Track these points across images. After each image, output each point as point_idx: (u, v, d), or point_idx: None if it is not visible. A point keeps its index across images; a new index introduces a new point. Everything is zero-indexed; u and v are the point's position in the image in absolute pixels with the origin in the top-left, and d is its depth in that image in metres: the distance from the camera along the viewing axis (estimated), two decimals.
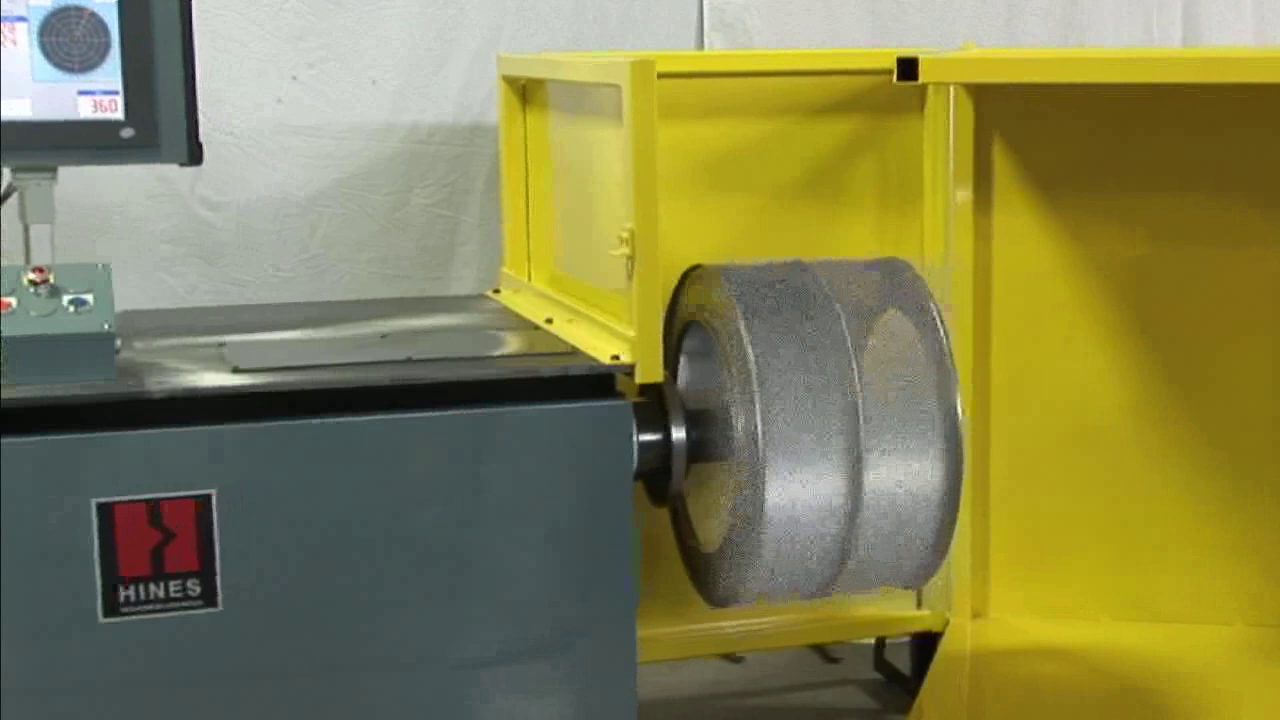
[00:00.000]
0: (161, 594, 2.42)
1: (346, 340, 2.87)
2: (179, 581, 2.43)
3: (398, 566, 2.53)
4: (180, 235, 3.50)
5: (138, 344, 2.71)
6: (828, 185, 3.39)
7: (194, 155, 2.65)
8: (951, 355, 2.76)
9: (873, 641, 3.70)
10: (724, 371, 2.72)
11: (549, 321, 2.96)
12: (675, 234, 2.97)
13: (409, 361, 2.64)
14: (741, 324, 2.68)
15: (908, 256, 2.99)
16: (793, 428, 2.64)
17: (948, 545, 2.79)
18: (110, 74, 2.58)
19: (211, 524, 2.43)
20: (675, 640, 3.31)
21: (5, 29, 2.54)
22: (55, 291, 2.47)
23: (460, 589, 2.55)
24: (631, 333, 2.66)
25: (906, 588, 2.97)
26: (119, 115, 2.59)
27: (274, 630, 2.49)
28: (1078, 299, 3.47)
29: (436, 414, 2.53)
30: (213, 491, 2.43)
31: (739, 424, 2.67)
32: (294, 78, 3.53)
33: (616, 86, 2.66)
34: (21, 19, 2.55)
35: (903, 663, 3.63)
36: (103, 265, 2.55)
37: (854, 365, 2.68)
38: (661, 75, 2.63)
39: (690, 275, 2.91)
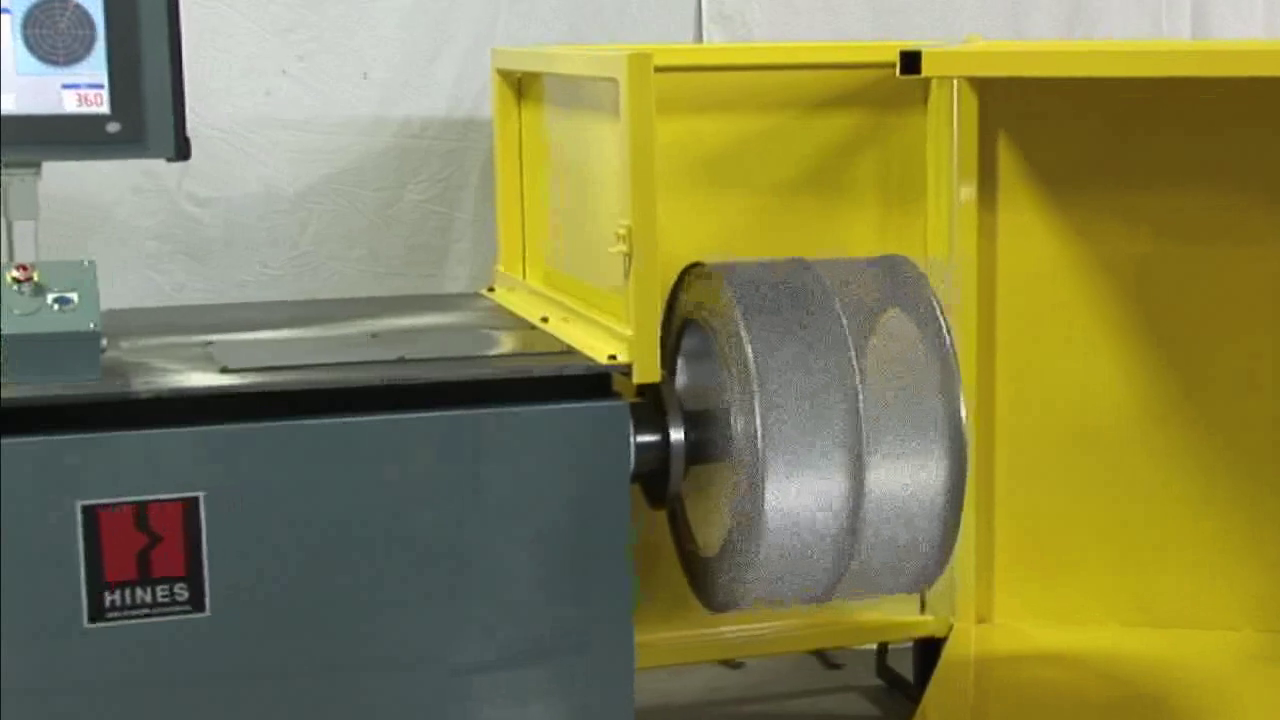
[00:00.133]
0: (148, 599, 2.42)
1: (337, 339, 2.87)
2: (166, 586, 2.43)
3: (390, 570, 2.52)
4: (167, 232, 3.50)
5: (124, 343, 2.71)
6: (829, 181, 3.39)
7: (181, 150, 2.65)
8: (955, 355, 2.76)
9: (875, 647, 3.70)
10: (723, 372, 2.72)
11: (544, 320, 2.96)
12: (673, 231, 2.97)
13: (401, 361, 2.64)
14: (741, 323, 2.68)
15: (910, 254, 2.99)
16: (793, 429, 2.63)
17: (951, 548, 2.79)
18: (95, 67, 2.57)
19: (199, 527, 2.43)
20: (673, 645, 3.31)
21: None
22: (39, 290, 2.46)
23: (453, 593, 2.55)
24: (629, 332, 2.66)
25: (909, 592, 2.97)
26: (104, 109, 2.58)
27: (263, 636, 2.48)
28: (1083, 297, 3.47)
29: (429, 415, 2.53)
30: (200, 494, 2.43)
31: (738, 425, 2.66)
32: (284, 71, 3.53)
33: (613, 80, 2.65)
34: (5, 11, 2.55)
35: (906, 669, 3.63)
36: (88, 263, 2.55)
37: (855, 365, 2.68)
38: (659, 69, 2.63)
39: (689, 273, 2.90)
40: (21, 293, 2.45)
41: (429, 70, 3.60)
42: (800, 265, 2.83)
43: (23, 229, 2.68)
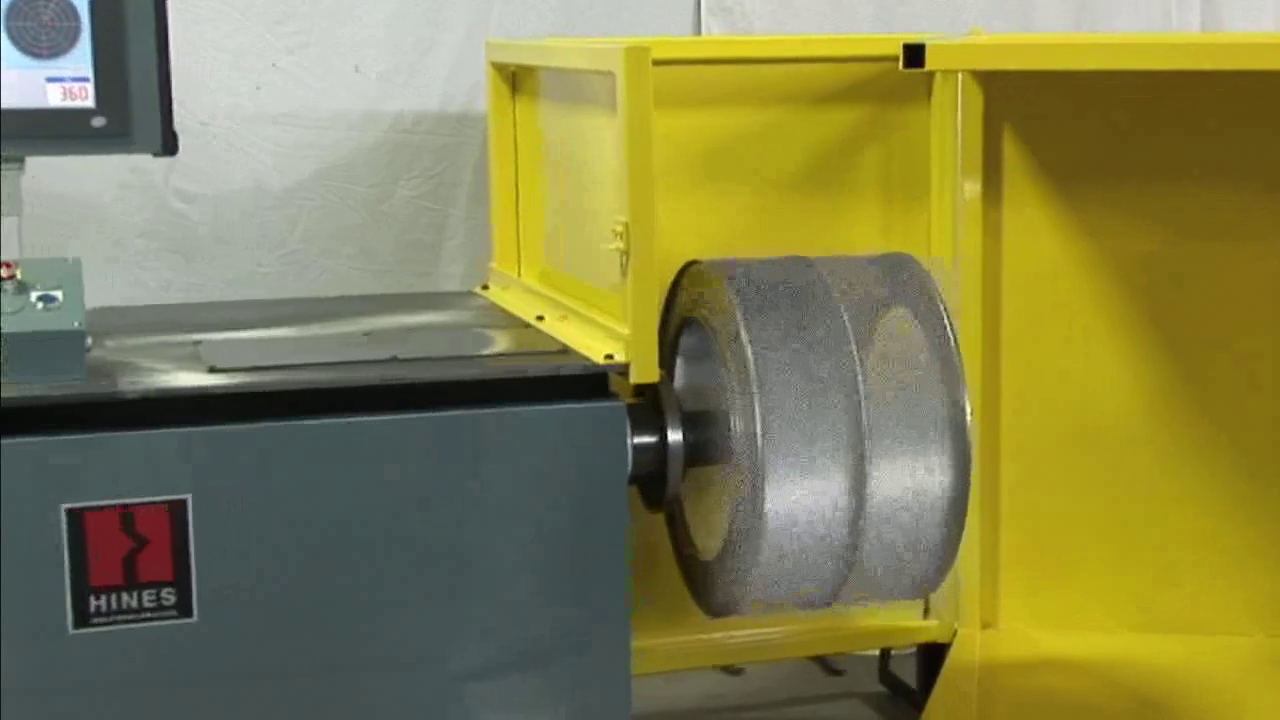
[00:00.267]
0: (134, 604, 2.42)
1: (327, 339, 2.87)
2: (153, 591, 2.42)
3: (384, 573, 2.52)
4: (154, 229, 3.50)
5: (109, 342, 2.70)
6: (830, 177, 3.39)
7: (168, 145, 2.64)
8: (959, 354, 2.76)
9: (877, 653, 3.70)
10: (722, 371, 2.72)
11: (540, 319, 2.96)
12: (671, 228, 2.96)
13: (393, 361, 2.64)
14: (741, 322, 2.68)
15: (914, 252, 2.99)
16: (793, 430, 2.63)
17: (955, 552, 2.79)
18: (80, 60, 2.57)
19: (187, 531, 2.42)
20: (671, 651, 3.31)
21: None
22: (23, 288, 2.46)
23: (446, 597, 2.55)
24: (626, 331, 2.66)
25: (912, 597, 2.97)
26: (90, 103, 2.58)
27: (252, 642, 2.48)
28: (1091, 296, 3.47)
29: (422, 415, 2.53)
30: (188, 497, 2.42)
31: (737, 426, 2.66)
32: (273, 64, 3.53)
33: (610, 73, 2.65)
34: None
35: (909, 675, 3.63)
36: (73, 260, 2.55)
37: (857, 365, 2.68)
38: (657, 62, 2.63)
39: (687, 271, 2.90)
40: (5, 291, 2.45)
41: (422, 63, 3.60)
42: (801, 263, 2.83)
43: (6, 225, 2.67)
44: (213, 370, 2.54)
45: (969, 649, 3.46)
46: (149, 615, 2.42)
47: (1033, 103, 3.40)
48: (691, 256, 2.90)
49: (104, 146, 2.64)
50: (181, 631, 2.44)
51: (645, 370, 2.65)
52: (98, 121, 2.59)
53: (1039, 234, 3.46)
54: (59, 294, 2.46)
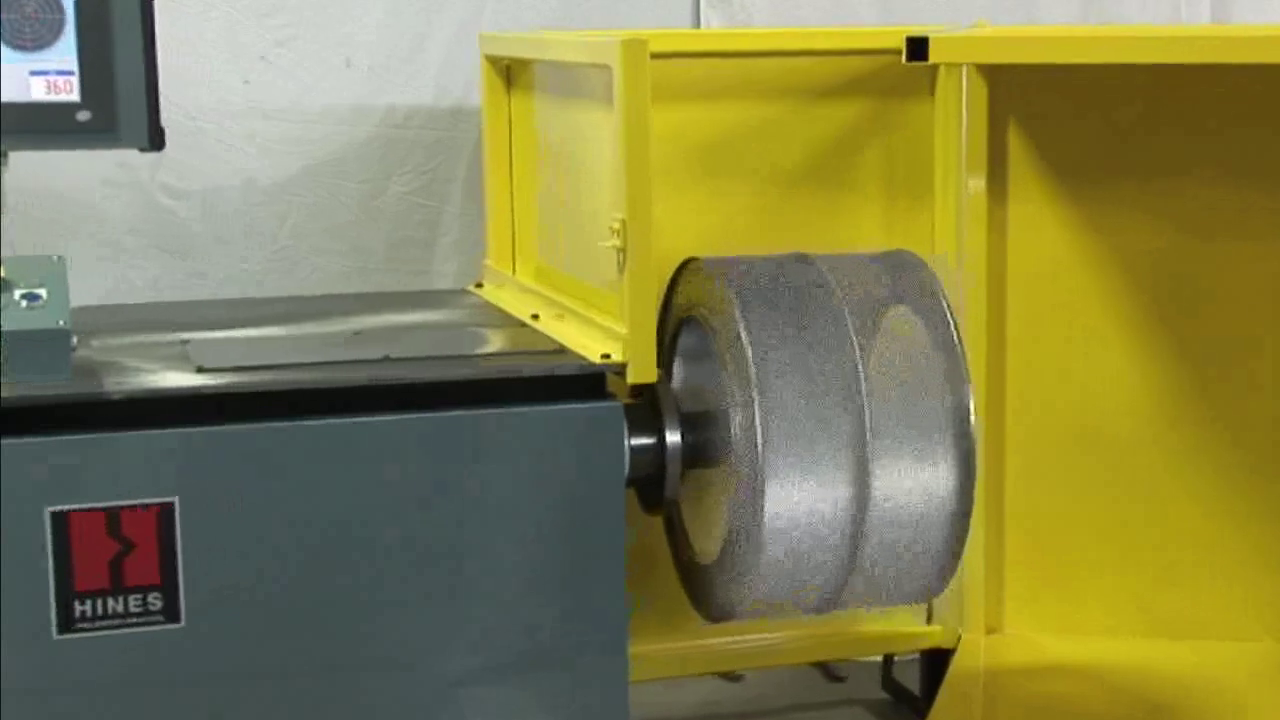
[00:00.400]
0: (120, 609, 2.42)
1: (318, 338, 2.87)
2: (139, 596, 2.42)
3: (374, 577, 2.52)
4: (141, 225, 3.50)
5: (95, 342, 2.70)
6: (832, 173, 3.39)
7: (155, 140, 2.64)
8: (963, 354, 2.76)
9: (880, 659, 3.70)
10: (721, 371, 2.72)
11: (535, 318, 2.96)
12: (669, 225, 2.96)
13: (385, 360, 2.64)
14: (740, 321, 2.68)
15: (917, 249, 2.99)
16: (794, 432, 2.63)
17: (959, 556, 2.79)
18: (65, 53, 2.56)
19: (174, 534, 2.42)
20: (670, 657, 3.31)
21: None
22: (6, 286, 2.46)
23: (439, 600, 2.55)
24: (623, 330, 2.66)
25: (916, 602, 2.97)
26: (74, 97, 2.57)
27: (240, 648, 2.48)
28: (1098, 294, 3.47)
29: (414, 416, 2.53)
30: (175, 499, 2.42)
31: (737, 427, 2.66)
32: (262, 57, 3.53)
33: (607, 67, 2.65)
34: None
35: (912, 681, 3.63)
36: (57, 257, 2.54)
37: (859, 365, 2.68)
38: (655, 55, 2.63)
39: (686, 269, 2.90)
40: None
41: (414, 56, 3.60)
42: (802, 261, 2.83)
43: None
44: (201, 370, 2.54)
45: (973, 655, 3.46)
46: (135, 620, 2.42)
47: (1038, 97, 3.40)
48: (690, 254, 2.90)
49: (89, 141, 2.63)
50: (169, 637, 2.44)
51: (643, 370, 2.65)
52: (83, 116, 2.58)
53: (1044, 231, 3.46)
54: (43, 292, 2.46)
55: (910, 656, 3.61)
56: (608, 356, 2.65)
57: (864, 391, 2.67)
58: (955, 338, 2.76)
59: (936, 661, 3.49)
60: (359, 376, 2.54)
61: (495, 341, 2.89)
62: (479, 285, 3.35)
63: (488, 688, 2.59)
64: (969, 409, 2.73)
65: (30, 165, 2.97)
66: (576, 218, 2.97)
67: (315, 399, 2.51)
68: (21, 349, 2.39)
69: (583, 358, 2.66)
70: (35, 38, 2.55)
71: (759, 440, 2.62)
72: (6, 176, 2.65)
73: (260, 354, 2.66)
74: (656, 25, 3.63)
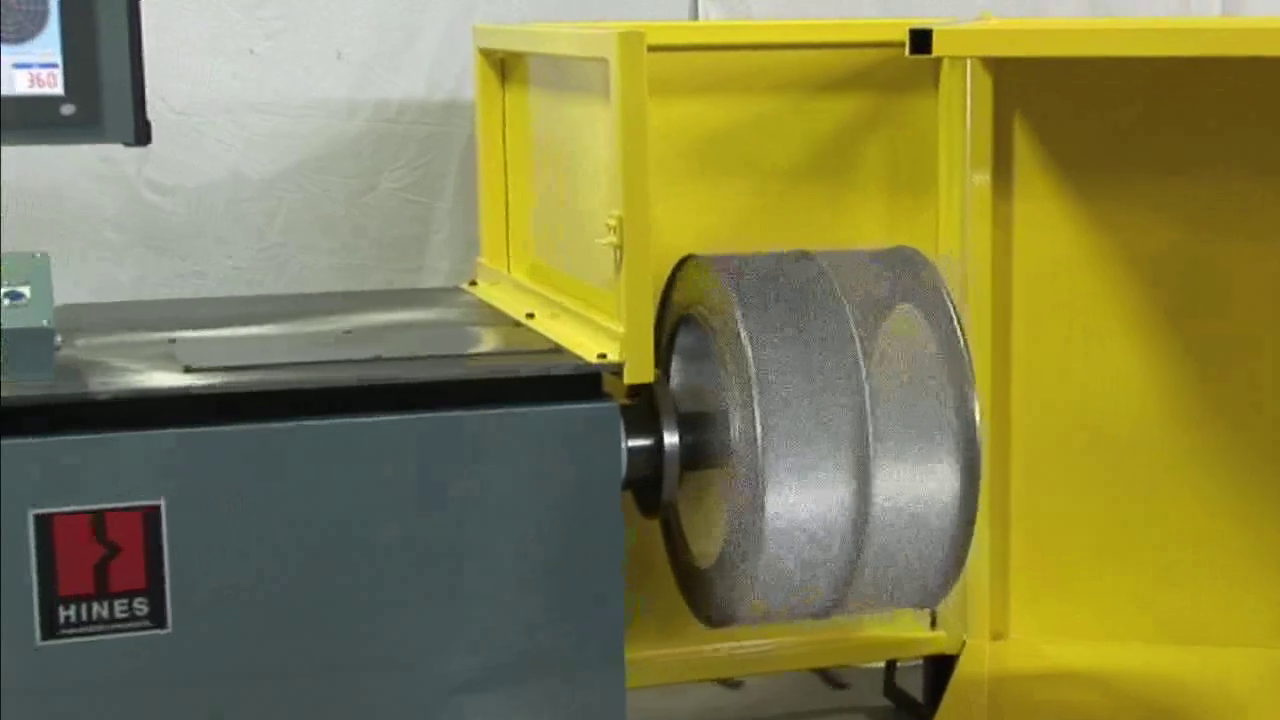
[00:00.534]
0: (105, 614, 2.41)
1: (308, 337, 2.86)
2: (124, 600, 2.42)
3: (366, 579, 2.52)
4: (126, 222, 3.50)
5: (80, 341, 2.70)
6: (834, 168, 3.39)
7: (141, 134, 2.63)
8: (968, 353, 2.75)
9: (883, 665, 3.70)
10: (720, 371, 2.72)
11: (530, 317, 2.95)
12: (667, 222, 2.96)
13: (376, 360, 2.63)
14: (740, 320, 2.67)
15: (920, 245, 2.99)
16: (795, 433, 2.63)
17: (963, 560, 2.79)
18: (48, 45, 2.56)
19: (160, 537, 2.42)
20: (667, 663, 3.31)
21: None
22: None
23: (432, 605, 2.55)
24: (620, 329, 2.66)
25: (919, 607, 2.97)
26: (58, 90, 2.57)
27: (227, 653, 2.48)
28: (1105, 291, 3.47)
29: (406, 417, 2.53)
30: (161, 502, 2.42)
31: (736, 428, 2.66)
32: (251, 50, 3.53)
33: (604, 60, 2.65)
34: None
35: (915, 688, 3.63)
36: (41, 255, 2.54)
37: (861, 365, 2.68)
38: (652, 48, 2.63)
39: (684, 267, 2.90)
40: None
41: (407, 49, 3.60)
42: (803, 258, 2.83)
43: None
44: (188, 370, 2.54)
45: (978, 661, 3.46)
46: (121, 626, 2.42)
47: (1044, 91, 3.40)
48: (688, 251, 2.90)
49: (73, 136, 2.63)
50: (155, 642, 2.43)
51: (640, 370, 2.65)
52: (67, 109, 2.58)
53: (1051, 227, 3.46)
54: (26, 290, 2.46)
55: (913, 663, 3.61)
56: (604, 356, 2.65)
57: (866, 391, 2.66)
58: (959, 336, 2.76)
59: (940, 668, 3.49)
60: (349, 376, 2.54)
61: (489, 341, 2.89)
62: (473, 283, 3.35)
63: (483, 693, 2.59)
64: (973, 409, 2.72)
65: (13, 160, 2.97)
66: (572, 214, 2.96)
67: (304, 400, 2.50)
68: (5, 348, 2.39)
69: (579, 357, 2.66)
70: (18, 29, 2.55)
71: (759, 441, 2.61)
72: None
73: (248, 354, 2.66)
74: (654, 17, 3.62)
